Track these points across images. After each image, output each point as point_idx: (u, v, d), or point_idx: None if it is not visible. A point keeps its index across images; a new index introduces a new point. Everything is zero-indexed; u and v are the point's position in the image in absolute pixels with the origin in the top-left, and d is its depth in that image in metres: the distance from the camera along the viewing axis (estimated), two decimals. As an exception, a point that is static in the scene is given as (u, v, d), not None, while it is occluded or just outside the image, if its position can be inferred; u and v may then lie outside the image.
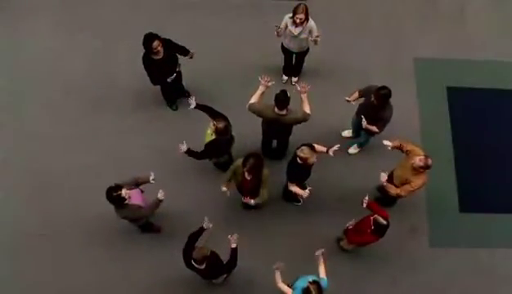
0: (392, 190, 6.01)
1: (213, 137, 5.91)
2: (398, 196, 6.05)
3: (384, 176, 6.01)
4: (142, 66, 6.80)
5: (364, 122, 6.22)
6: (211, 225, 5.56)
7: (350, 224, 6.07)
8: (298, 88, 6.05)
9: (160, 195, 5.72)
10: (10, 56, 7.89)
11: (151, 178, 5.73)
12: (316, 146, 5.91)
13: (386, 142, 6.08)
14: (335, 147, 5.98)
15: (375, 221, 5.42)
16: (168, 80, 6.54)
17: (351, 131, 7.38)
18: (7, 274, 6.60)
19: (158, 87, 7.59)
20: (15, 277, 6.59)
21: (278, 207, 7.07)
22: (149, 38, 6.13)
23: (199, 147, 6.14)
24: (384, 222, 5.38)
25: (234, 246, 5.56)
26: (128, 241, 6.81)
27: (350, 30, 8.22)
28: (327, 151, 5.99)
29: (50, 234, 6.82)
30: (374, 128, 6.27)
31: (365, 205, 5.85)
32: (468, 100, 7.89)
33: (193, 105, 6.06)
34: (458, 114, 7.77)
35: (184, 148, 5.99)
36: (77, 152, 7.26)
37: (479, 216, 7.18)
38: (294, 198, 6.45)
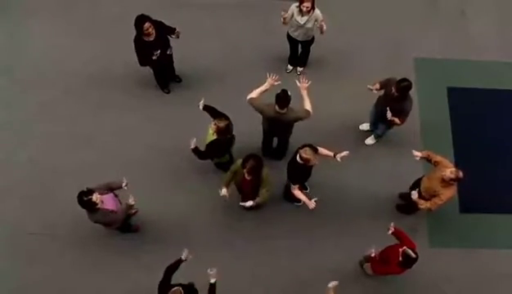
0: (423, 206, 5.94)
1: (215, 137, 5.90)
2: (428, 210, 6.00)
3: (414, 194, 5.94)
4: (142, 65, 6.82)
5: (389, 114, 6.23)
6: (190, 257, 5.41)
7: (374, 252, 5.85)
8: (298, 84, 6.05)
9: (131, 200, 5.72)
10: (10, 56, 7.88)
11: (124, 184, 5.71)
12: (322, 150, 5.90)
13: (415, 152, 6.07)
14: (344, 153, 5.95)
15: (405, 254, 5.22)
16: (154, 57, 6.55)
17: (368, 124, 7.42)
18: (6, 274, 6.59)
19: (158, 87, 7.65)
20: (15, 276, 6.58)
21: (278, 206, 7.06)
22: (140, 20, 6.18)
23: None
24: (414, 256, 5.21)
25: (213, 281, 5.34)
26: (129, 241, 6.81)
27: (350, 30, 8.22)
28: (334, 156, 5.96)
29: (49, 234, 6.81)
30: (396, 120, 6.31)
31: (390, 232, 5.69)
32: (468, 100, 7.89)
33: (201, 106, 6.08)
34: (458, 114, 7.77)
35: (192, 145, 6.00)
36: (77, 151, 7.26)
37: (479, 216, 7.18)
38: (295, 198, 6.44)
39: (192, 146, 6.03)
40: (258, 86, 6.07)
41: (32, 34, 8.05)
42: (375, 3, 8.56)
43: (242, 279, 6.64)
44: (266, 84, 6.03)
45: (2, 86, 7.67)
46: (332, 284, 5.38)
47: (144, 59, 6.62)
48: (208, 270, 5.35)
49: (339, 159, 5.95)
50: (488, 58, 8.17)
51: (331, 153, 5.98)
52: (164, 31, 6.58)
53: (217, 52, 7.98)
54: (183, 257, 5.43)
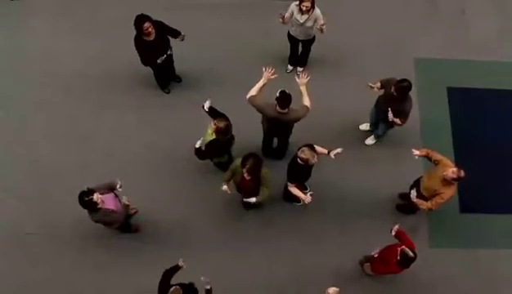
0: (424, 206, 5.91)
1: (214, 137, 5.90)
2: (429, 210, 5.97)
3: (413, 194, 5.91)
4: (142, 65, 6.81)
5: (390, 115, 6.22)
6: (185, 266, 5.45)
7: (375, 252, 5.88)
8: (297, 79, 6.05)
9: (124, 199, 5.75)
10: (10, 56, 7.88)
11: (118, 186, 5.71)
12: (317, 148, 5.90)
13: (414, 151, 6.05)
14: (338, 150, 5.97)
15: (403, 253, 5.24)
16: (159, 61, 6.59)
17: (368, 124, 7.43)
18: (6, 274, 6.59)
19: (158, 87, 7.65)
20: (15, 276, 6.59)
21: (278, 207, 7.06)
22: (140, 19, 6.20)
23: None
24: (412, 255, 5.22)
25: (208, 287, 5.38)
26: (129, 241, 6.81)
27: (350, 30, 8.22)
28: (328, 153, 5.98)
29: (49, 234, 6.81)
30: (397, 121, 6.31)
31: (393, 233, 5.68)
32: (468, 100, 7.89)
33: (207, 107, 6.10)
34: (458, 114, 7.77)
35: (198, 144, 6.02)
36: (77, 151, 7.26)
37: (479, 216, 7.18)
38: (295, 198, 6.46)
39: (197, 146, 6.03)
40: (256, 84, 6.06)
41: (32, 34, 8.05)
42: (376, 3, 8.55)
43: (242, 279, 6.64)
44: (263, 79, 6.03)
45: (2, 86, 7.67)
46: (332, 290, 5.31)
47: (146, 59, 6.62)
48: (202, 278, 5.36)
49: (332, 156, 5.97)
50: (488, 58, 8.17)
51: (325, 151, 6.00)
52: (165, 31, 6.58)
53: (217, 52, 7.98)
54: (180, 264, 5.47)
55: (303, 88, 6.02)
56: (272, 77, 6.02)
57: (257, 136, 6.94)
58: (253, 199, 5.94)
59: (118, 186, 5.71)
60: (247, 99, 5.99)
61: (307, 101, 6.01)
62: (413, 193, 5.95)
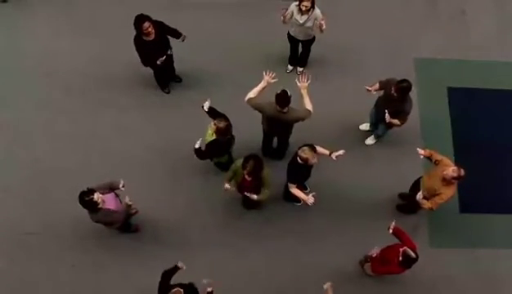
0: (425, 205, 5.94)
1: (214, 137, 5.91)
2: (430, 209, 5.99)
3: (420, 195, 5.94)
4: (142, 65, 6.81)
5: (387, 117, 6.23)
6: (184, 267, 5.44)
7: (374, 251, 5.89)
8: (298, 83, 6.04)
9: (127, 199, 5.73)
10: (10, 56, 7.87)
11: (121, 185, 5.70)
12: (319, 148, 5.90)
13: (420, 150, 6.09)
14: (340, 152, 5.96)
15: (405, 253, 5.23)
16: (158, 62, 6.58)
17: (368, 124, 7.43)
18: (6, 274, 6.58)
19: (158, 87, 7.65)
20: (14, 276, 6.59)
21: (278, 207, 7.06)
22: (140, 19, 6.17)
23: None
24: (414, 255, 5.22)
25: (210, 290, 5.36)
26: (129, 241, 6.81)
27: (351, 30, 8.22)
28: (330, 154, 5.98)
29: (49, 234, 6.80)
30: (396, 121, 6.31)
31: (391, 231, 5.68)
32: (468, 100, 7.89)
33: (206, 107, 6.09)
34: (458, 114, 7.77)
35: (197, 145, 6.01)
36: (77, 151, 7.26)
37: (479, 216, 7.18)
38: (295, 198, 6.46)
39: (197, 146, 6.03)
40: (256, 86, 6.06)
41: (31, 34, 8.04)
42: (376, 3, 8.56)
43: (241, 279, 6.64)
44: (263, 82, 6.03)
45: (1, 85, 7.67)
46: (327, 285, 5.39)
47: (146, 59, 6.62)
48: (204, 281, 5.35)
49: (334, 158, 5.96)
50: (488, 58, 8.17)
51: (327, 152, 5.99)
52: (165, 31, 6.58)
53: (217, 52, 7.98)
54: (179, 265, 5.46)
55: (304, 92, 6.02)
56: (272, 81, 6.02)
57: (257, 136, 6.94)
58: (254, 196, 5.92)
59: (121, 185, 5.70)
60: (245, 101, 5.99)
61: (308, 105, 6.00)
62: (419, 194, 5.95)
